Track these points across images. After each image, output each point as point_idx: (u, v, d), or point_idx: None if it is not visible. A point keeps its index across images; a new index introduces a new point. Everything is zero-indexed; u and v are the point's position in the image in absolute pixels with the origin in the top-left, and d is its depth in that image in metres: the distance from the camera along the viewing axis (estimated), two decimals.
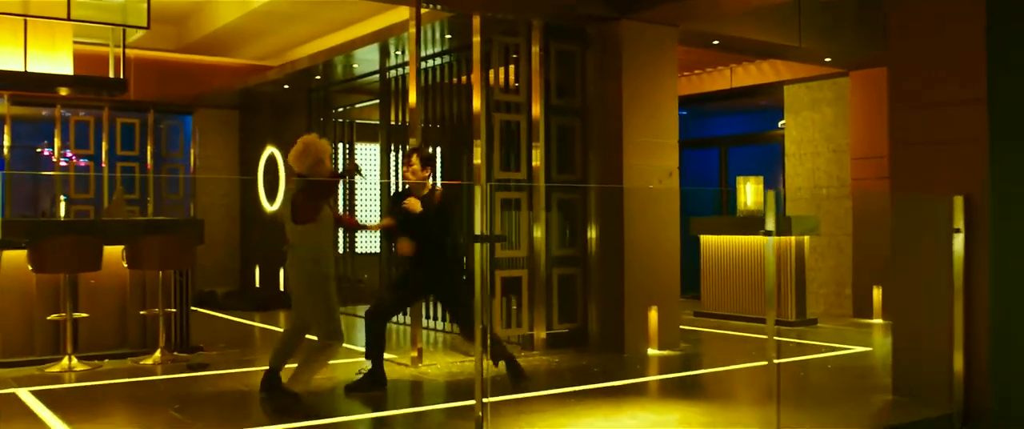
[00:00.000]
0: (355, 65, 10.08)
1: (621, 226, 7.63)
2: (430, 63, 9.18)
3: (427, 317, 8.96)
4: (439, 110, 9.28)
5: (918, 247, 5.52)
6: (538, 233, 7.67)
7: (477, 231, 4.40)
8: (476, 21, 7.45)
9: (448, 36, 8.41)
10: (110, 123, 11.88)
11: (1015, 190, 5.31)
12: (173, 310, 7.46)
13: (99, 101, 11.43)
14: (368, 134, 11.71)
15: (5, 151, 11.09)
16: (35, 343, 7.03)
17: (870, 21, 9.49)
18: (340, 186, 7.66)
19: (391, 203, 6.40)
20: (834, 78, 10.64)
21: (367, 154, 12.21)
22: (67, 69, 8.83)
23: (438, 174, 9.37)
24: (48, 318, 6.96)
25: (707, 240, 10.09)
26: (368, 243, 11.70)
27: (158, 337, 7.22)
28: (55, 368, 6.70)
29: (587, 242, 7.91)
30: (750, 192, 10.02)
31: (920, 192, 5.51)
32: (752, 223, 9.56)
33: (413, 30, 7.15)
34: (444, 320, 8.78)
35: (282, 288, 11.10)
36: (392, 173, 9.88)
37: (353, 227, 7.02)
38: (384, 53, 9.40)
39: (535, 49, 7.67)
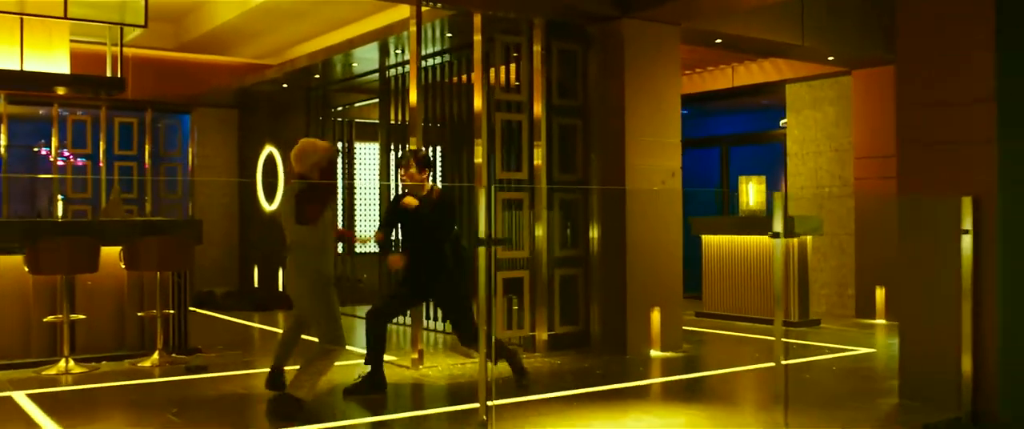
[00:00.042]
0: (355, 64, 10.02)
1: (623, 226, 7.57)
2: (431, 62, 9.12)
3: (428, 318, 8.89)
4: (440, 109, 9.22)
5: (926, 248, 5.47)
6: (540, 233, 7.61)
7: (480, 235, 4.34)
8: (477, 19, 7.40)
9: (449, 35, 8.35)
10: (107, 122, 11.80)
11: None
12: (171, 311, 7.40)
13: (96, 100, 11.35)
14: (368, 133, 11.65)
15: (2, 151, 11.01)
16: (31, 345, 6.97)
17: (873, 19, 9.45)
18: (340, 187, 7.58)
19: (390, 207, 6.34)
20: (836, 77, 10.58)
21: (367, 153, 12.14)
22: (64, 68, 8.75)
23: (438, 175, 9.33)
24: (45, 320, 6.89)
25: (709, 240, 10.04)
26: (368, 243, 11.63)
27: (156, 339, 7.16)
28: (52, 371, 6.64)
29: (589, 242, 7.85)
30: (752, 192, 9.98)
31: (928, 192, 5.46)
32: (754, 223, 9.51)
33: (414, 28, 7.11)
34: (444, 322, 8.71)
35: (281, 288, 11.04)
36: (391, 173, 9.81)
37: (347, 239, 6.98)
38: (384, 52, 9.34)
39: (536, 48, 7.61)
